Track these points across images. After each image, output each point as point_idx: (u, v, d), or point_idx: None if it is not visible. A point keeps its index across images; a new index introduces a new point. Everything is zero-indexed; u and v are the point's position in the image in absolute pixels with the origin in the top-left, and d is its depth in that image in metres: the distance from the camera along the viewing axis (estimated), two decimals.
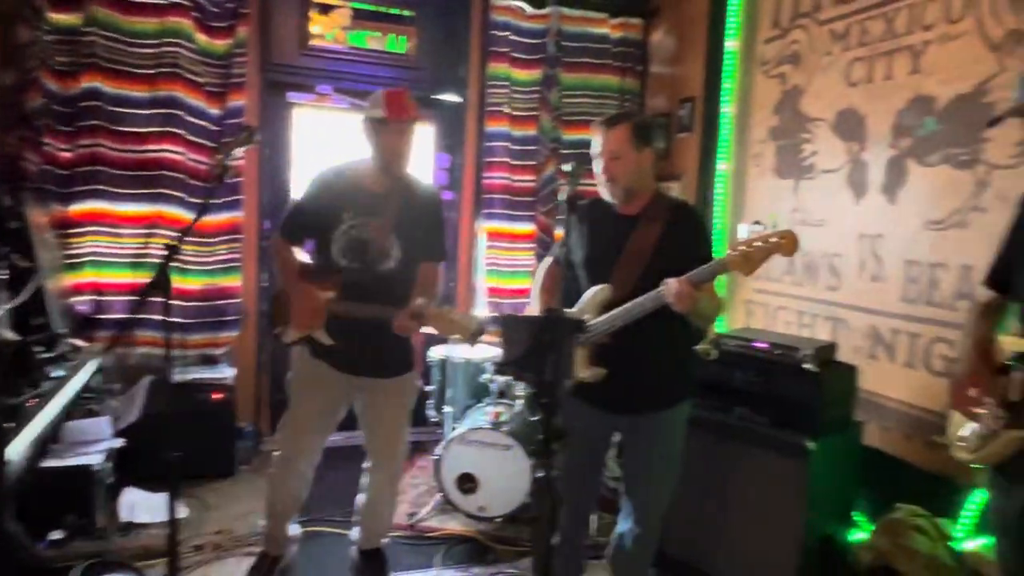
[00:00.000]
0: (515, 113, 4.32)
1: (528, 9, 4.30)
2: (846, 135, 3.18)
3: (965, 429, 1.75)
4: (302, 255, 2.57)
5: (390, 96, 2.38)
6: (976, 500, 2.52)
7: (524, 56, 4.30)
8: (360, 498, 2.72)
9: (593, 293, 2.25)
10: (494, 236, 4.36)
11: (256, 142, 2.20)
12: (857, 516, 2.92)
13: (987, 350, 1.77)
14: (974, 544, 2.51)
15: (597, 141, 2.22)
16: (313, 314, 2.39)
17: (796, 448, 2.54)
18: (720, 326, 3.89)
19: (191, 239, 3.74)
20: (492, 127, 4.30)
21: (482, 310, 4.37)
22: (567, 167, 1.76)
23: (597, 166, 2.25)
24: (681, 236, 2.20)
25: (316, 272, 2.46)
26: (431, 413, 3.76)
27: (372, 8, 4.19)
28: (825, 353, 2.73)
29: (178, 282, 3.72)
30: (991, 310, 1.86)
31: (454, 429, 3.43)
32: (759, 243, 1.87)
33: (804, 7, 3.43)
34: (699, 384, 2.87)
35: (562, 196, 1.67)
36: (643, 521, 2.36)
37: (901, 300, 2.90)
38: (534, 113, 4.34)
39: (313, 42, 4.17)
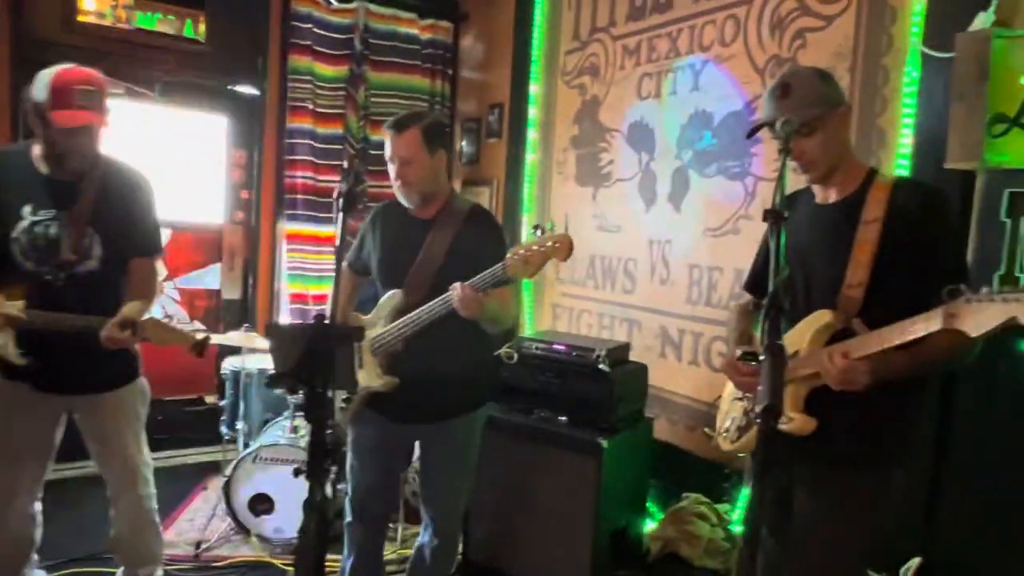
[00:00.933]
0: (320, 110, 4.12)
1: (334, 2, 4.13)
2: (637, 146, 3.35)
3: (727, 420, 1.87)
4: None
5: (59, 90, 1.98)
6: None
7: (329, 51, 4.12)
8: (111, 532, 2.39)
9: (386, 299, 2.18)
10: (297, 239, 4.12)
11: None
12: (650, 506, 3.08)
13: (747, 342, 1.90)
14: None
15: (388, 145, 2.14)
16: None
17: (591, 446, 2.61)
18: (527, 329, 3.97)
19: None
20: (295, 123, 4.07)
21: (286, 316, 4.12)
22: (345, 164, 1.66)
23: (391, 170, 2.17)
24: (476, 240, 2.16)
25: None
26: (224, 431, 3.46)
27: None
28: (618, 354, 2.84)
29: None
30: (749, 312, 2.01)
31: (247, 447, 3.17)
32: (536, 247, 1.88)
33: (601, 22, 3.58)
34: (501, 387, 2.90)
35: (337, 193, 1.56)
36: (442, 530, 2.31)
37: (686, 302, 3.10)
38: (340, 111, 4.17)
39: (84, 19, 3.72)
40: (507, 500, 2.81)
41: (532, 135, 3.99)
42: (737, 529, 2.70)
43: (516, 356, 2.86)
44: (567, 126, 3.80)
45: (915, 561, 2.19)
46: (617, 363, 2.78)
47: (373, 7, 4.24)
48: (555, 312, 3.89)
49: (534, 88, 3.96)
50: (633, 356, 3.03)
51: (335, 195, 1.55)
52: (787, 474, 1.76)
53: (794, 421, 1.60)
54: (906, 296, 1.50)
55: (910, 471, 1.69)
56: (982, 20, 1.99)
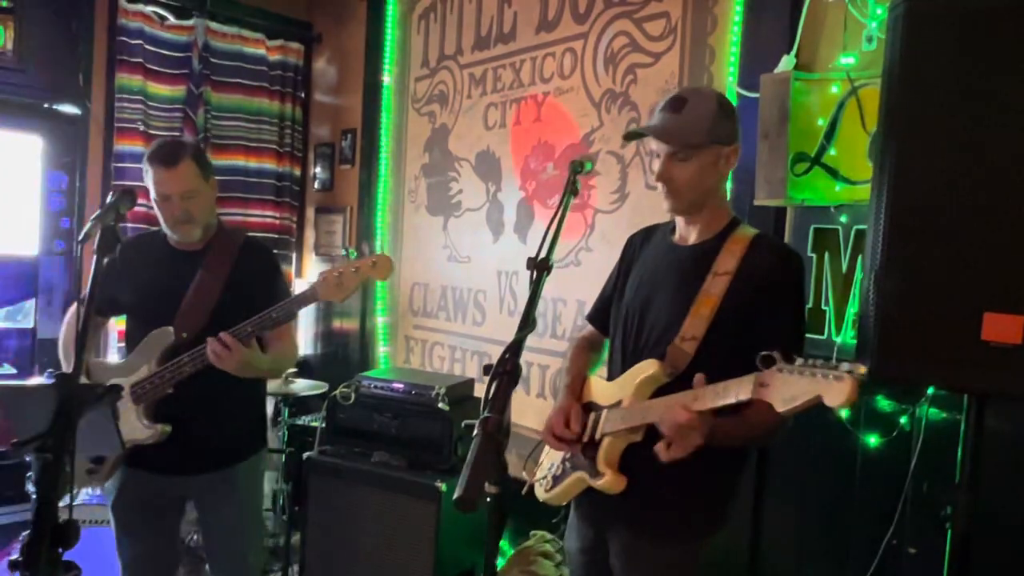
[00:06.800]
0: (152, 132, 3.81)
1: (170, 18, 3.87)
2: (485, 176, 3.31)
3: (546, 467, 1.80)
4: None
5: None
6: None
7: (164, 69, 3.84)
8: None
9: (153, 338, 1.96)
10: None
11: None
12: (502, 544, 2.98)
13: (580, 387, 1.81)
14: None
15: (157, 181, 1.94)
16: None
17: (429, 490, 2.50)
18: (381, 363, 3.82)
19: None
20: (123, 146, 3.74)
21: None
22: (111, 198, 1.47)
23: (167, 208, 1.97)
24: (254, 271, 2.06)
25: None
26: (30, 488, 3.07)
27: None
28: (459, 390, 2.75)
29: None
30: (590, 345, 1.90)
31: None
32: (352, 269, 1.80)
33: (448, 50, 3.53)
34: (339, 430, 2.74)
35: (92, 231, 1.37)
36: None
37: (532, 334, 3.05)
38: (177, 134, 3.88)
39: None
40: (343, 550, 2.64)
41: (384, 162, 3.88)
42: None
43: (353, 396, 2.71)
44: (418, 154, 3.71)
45: None
46: (458, 400, 2.69)
47: (214, 25, 4.00)
48: (408, 345, 3.76)
49: (385, 115, 3.85)
50: (481, 391, 2.93)
51: (80, 236, 1.36)
52: (596, 529, 1.69)
53: (605, 478, 1.52)
54: (739, 358, 1.36)
55: (731, 534, 1.65)
56: (784, 63, 2.07)
